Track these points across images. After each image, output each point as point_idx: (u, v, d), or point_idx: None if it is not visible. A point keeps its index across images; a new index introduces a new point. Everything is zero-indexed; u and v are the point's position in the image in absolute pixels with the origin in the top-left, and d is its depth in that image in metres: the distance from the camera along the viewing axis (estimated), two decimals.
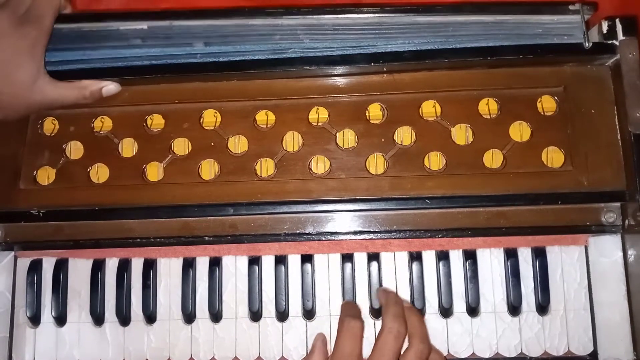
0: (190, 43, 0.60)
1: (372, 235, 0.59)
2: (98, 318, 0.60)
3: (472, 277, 0.58)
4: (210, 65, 0.60)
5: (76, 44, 0.61)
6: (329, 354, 0.56)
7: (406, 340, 0.53)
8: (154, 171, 0.61)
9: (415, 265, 0.59)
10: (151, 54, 0.60)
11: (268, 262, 0.60)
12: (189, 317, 0.59)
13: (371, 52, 0.59)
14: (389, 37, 0.59)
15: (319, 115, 0.61)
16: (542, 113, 0.59)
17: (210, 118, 0.61)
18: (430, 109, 0.60)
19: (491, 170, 0.58)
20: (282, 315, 0.59)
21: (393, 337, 0.52)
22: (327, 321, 0.59)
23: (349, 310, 0.57)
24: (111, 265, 0.61)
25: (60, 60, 0.61)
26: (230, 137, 0.61)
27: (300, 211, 0.59)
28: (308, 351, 0.58)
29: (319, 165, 0.60)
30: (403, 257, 0.60)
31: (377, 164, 0.60)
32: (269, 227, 0.59)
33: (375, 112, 0.61)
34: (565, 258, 0.59)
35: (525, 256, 0.59)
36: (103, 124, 0.62)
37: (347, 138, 0.60)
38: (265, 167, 0.60)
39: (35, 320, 0.60)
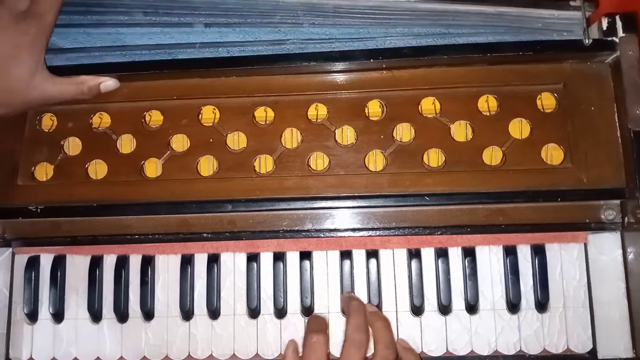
0: (191, 23, 0.60)
1: (370, 232, 0.59)
2: (96, 315, 0.60)
3: (471, 274, 0.58)
4: (209, 61, 0.60)
5: (78, 14, 0.61)
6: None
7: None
8: (153, 167, 0.60)
9: (414, 263, 0.59)
10: (150, 42, 0.60)
11: (266, 259, 0.60)
12: (187, 314, 0.59)
13: (370, 47, 0.59)
14: (389, 24, 0.59)
15: (318, 111, 0.61)
16: (542, 110, 0.59)
17: (209, 114, 0.61)
18: (429, 105, 0.60)
19: (490, 167, 0.58)
20: (280, 312, 0.59)
21: (355, 349, 0.52)
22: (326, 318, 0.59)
23: (313, 324, 0.56)
24: (109, 262, 0.61)
25: (60, 47, 0.61)
26: (229, 134, 0.61)
27: (299, 208, 0.59)
28: None
29: (318, 161, 0.60)
30: (402, 254, 0.60)
31: (376, 160, 0.59)
32: (268, 223, 0.59)
33: (374, 108, 0.60)
34: (564, 255, 0.59)
35: (524, 253, 0.59)
36: (101, 120, 0.62)
37: (346, 135, 0.60)
38: (264, 163, 0.60)
39: (32, 316, 0.60)
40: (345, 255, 0.59)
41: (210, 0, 0.60)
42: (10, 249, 0.62)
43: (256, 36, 0.60)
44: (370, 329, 0.55)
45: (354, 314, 0.55)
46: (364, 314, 0.55)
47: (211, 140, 0.60)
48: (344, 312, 0.58)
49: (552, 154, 0.58)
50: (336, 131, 0.60)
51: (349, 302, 0.56)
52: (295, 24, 0.59)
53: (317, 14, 0.59)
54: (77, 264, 0.61)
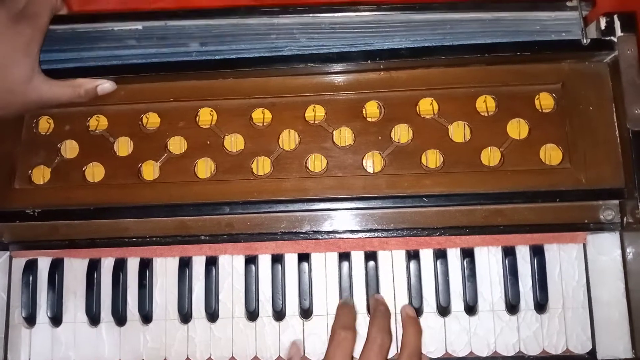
0: (186, 43, 0.60)
1: (369, 234, 0.59)
2: (94, 318, 0.59)
3: (470, 275, 0.58)
4: (206, 63, 0.59)
5: (71, 45, 0.61)
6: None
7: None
8: (150, 170, 0.60)
9: (412, 264, 0.59)
10: (147, 53, 0.60)
11: (265, 261, 0.60)
12: (185, 316, 0.59)
13: (368, 49, 0.58)
14: (386, 35, 0.59)
15: (315, 113, 0.61)
16: (540, 110, 0.59)
17: (206, 116, 0.61)
18: (427, 106, 0.60)
19: (489, 168, 0.58)
20: (279, 314, 0.59)
21: (377, 347, 0.52)
22: (325, 320, 0.59)
23: (342, 318, 0.56)
24: (107, 265, 0.61)
25: (56, 59, 0.61)
26: (227, 136, 0.60)
27: (297, 210, 0.58)
28: (306, 351, 0.58)
29: (316, 163, 0.60)
30: (400, 255, 0.59)
31: (374, 162, 0.59)
32: (266, 226, 0.59)
33: (372, 109, 0.60)
34: (563, 256, 0.59)
35: (523, 254, 0.59)
36: (98, 122, 0.62)
37: (344, 136, 0.60)
38: (262, 165, 0.60)
39: (30, 320, 0.60)
40: (344, 256, 0.59)
41: (203, 24, 0.60)
42: (8, 253, 0.61)
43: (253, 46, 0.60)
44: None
45: (380, 316, 0.55)
46: (389, 319, 0.55)
47: (208, 142, 0.60)
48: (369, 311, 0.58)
49: (551, 154, 0.58)
50: (334, 132, 0.60)
51: (376, 307, 0.56)
52: (291, 40, 0.59)
53: (313, 30, 0.59)
54: (75, 267, 0.61)
